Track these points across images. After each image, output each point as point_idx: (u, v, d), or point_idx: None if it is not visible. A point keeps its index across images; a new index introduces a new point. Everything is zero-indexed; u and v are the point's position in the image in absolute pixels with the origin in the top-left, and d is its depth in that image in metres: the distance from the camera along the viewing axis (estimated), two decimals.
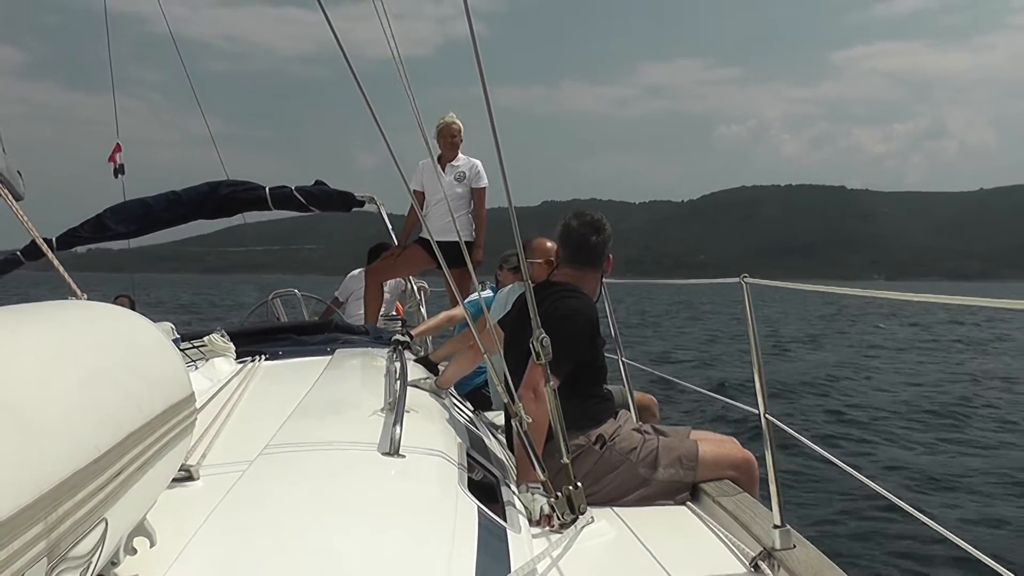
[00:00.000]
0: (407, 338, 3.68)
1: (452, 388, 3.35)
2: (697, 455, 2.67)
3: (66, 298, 2.08)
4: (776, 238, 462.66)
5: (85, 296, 2.18)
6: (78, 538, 0.98)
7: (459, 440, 2.35)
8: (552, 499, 2.16)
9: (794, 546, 1.99)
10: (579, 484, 2.17)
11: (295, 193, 5.44)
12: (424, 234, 5.22)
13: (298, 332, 4.06)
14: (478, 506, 1.81)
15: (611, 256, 2.93)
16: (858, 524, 5.47)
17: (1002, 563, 1.58)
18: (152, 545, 1.35)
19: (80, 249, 5.34)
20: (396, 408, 2.20)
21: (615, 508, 2.54)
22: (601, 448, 2.67)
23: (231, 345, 3.49)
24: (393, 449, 1.90)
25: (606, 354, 2.96)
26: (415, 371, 3.14)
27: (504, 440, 3.08)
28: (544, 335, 2.21)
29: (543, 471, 2.20)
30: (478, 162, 5.55)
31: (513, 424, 2.26)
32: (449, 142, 5.50)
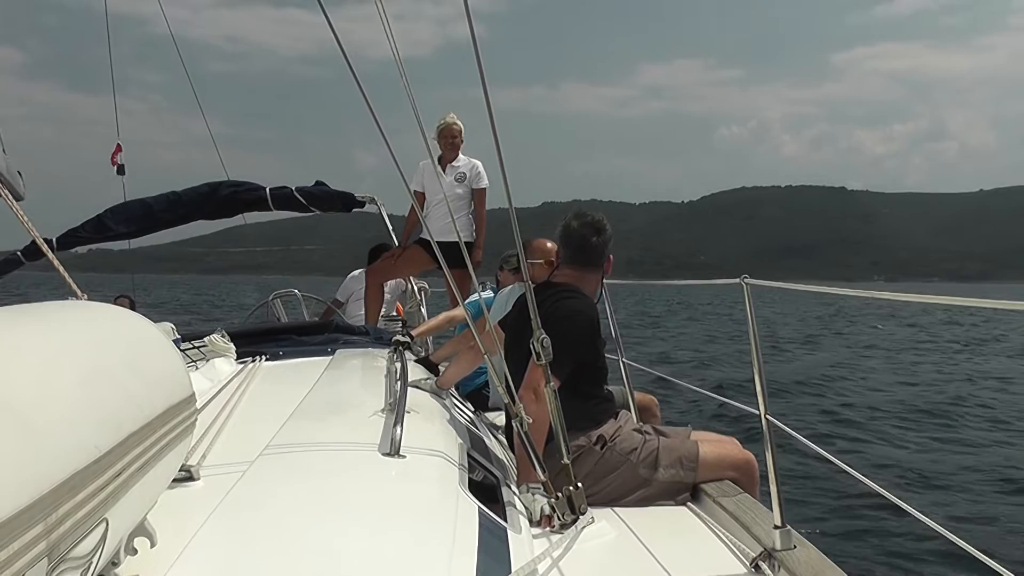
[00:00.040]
0: (407, 339, 3.67)
1: (453, 389, 3.35)
2: (698, 456, 2.67)
3: (66, 298, 2.08)
4: (776, 239, 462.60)
5: (85, 296, 2.18)
6: (78, 538, 0.98)
7: (460, 441, 2.34)
8: (553, 499, 2.16)
9: (795, 546, 1.99)
10: (579, 484, 2.16)
11: (296, 194, 5.44)
12: (424, 235, 5.22)
13: (298, 332, 4.06)
14: (479, 506, 1.81)
15: (612, 257, 2.93)
16: (858, 524, 5.46)
17: (996, 560, 1.59)
18: (152, 545, 1.35)
19: (80, 249, 5.34)
20: (397, 409, 2.19)
21: (616, 509, 2.53)
22: (602, 449, 2.67)
23: (231, 345, 3.49)
24: (394, 450, 1.90)
25: (606, 355, 2.96)
26: (416, 372, 3.14)
27: (505, 440, 3.08)
28: (544, 336, 2.21)
29: (544, 471, 2.19)
30: (478, 163, 5.55)
31: (514, 425, 2.26)
32: (450, 143, 5.50)
